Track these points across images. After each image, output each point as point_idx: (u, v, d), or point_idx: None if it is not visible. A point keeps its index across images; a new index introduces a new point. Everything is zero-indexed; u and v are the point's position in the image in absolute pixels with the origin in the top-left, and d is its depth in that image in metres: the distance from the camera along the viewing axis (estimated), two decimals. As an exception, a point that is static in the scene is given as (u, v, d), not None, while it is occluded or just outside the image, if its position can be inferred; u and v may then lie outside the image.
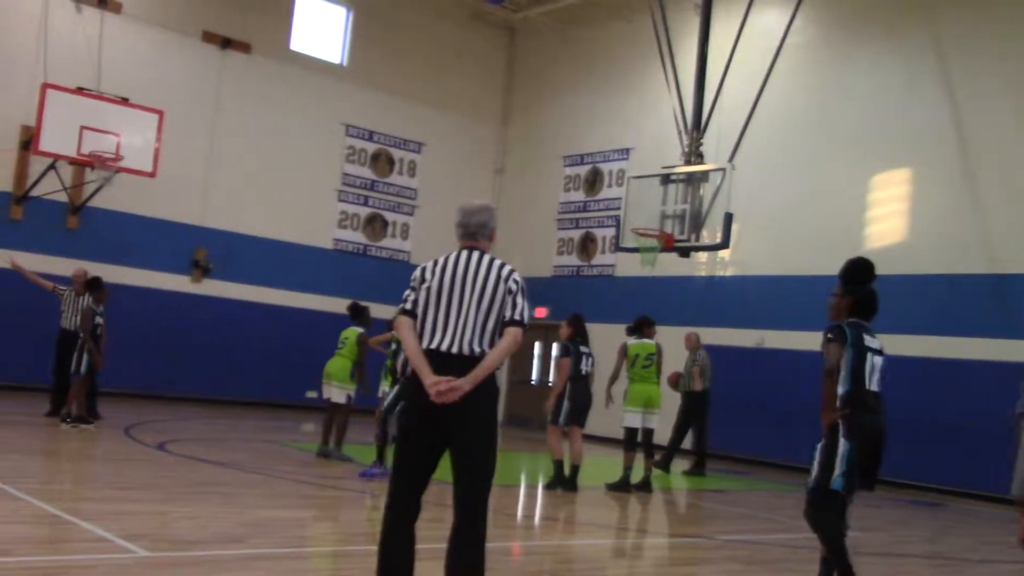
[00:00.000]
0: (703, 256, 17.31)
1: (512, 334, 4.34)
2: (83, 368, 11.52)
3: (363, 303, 11.60)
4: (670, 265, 16.22)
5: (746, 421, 16.26)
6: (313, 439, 12.41)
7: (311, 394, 11.89)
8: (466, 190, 21.46)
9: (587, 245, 19.93)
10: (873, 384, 5.62)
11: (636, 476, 11.07)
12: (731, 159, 14.20)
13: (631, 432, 10.91)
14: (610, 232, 18.98)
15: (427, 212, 20.70)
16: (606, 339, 18.08)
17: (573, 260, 20.16)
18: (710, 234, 14.51)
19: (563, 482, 10.33)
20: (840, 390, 5.54)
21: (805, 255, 16.08)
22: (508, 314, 4.37)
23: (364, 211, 19.98)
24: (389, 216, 20.33)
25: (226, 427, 14.11)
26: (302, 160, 19.07)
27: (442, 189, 21.02)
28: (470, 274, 4.43)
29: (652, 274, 16.38)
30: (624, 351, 10.96)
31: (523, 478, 12.54)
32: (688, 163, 14.62)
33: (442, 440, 4.30)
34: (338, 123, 19.63)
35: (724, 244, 14.07)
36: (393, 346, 10.55)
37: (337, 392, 10.94)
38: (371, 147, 20.12)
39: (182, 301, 17.45)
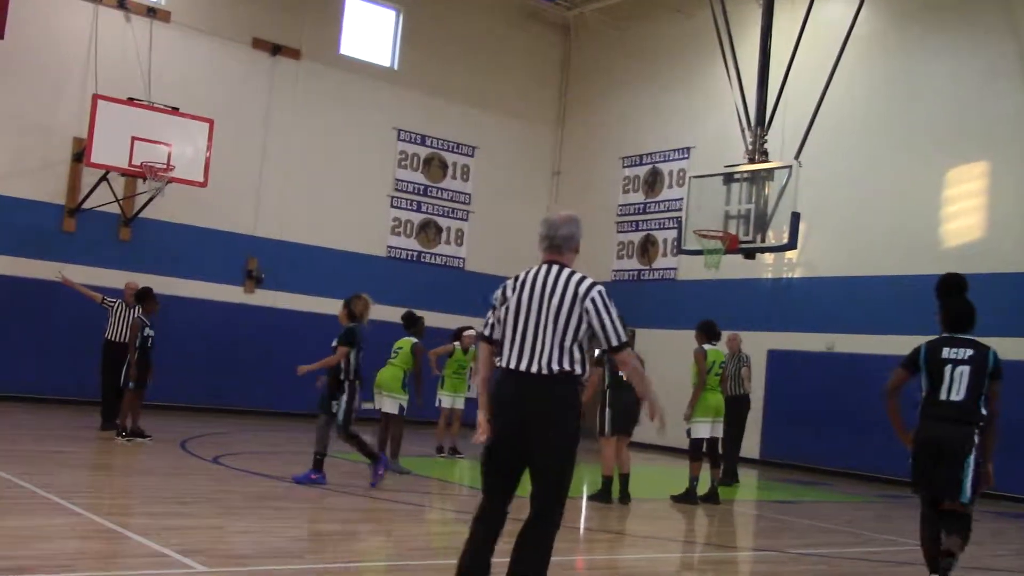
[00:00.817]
0: (769, 258, 17.13)
1: (621, 360, 4.53)
2: (128, 381, 11.73)
3: (418, 313, 11.64)
4: (735, 267, 16.08)
5: (815, 429, 16.03)
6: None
7: (367, 405, 12.02)
8: (521, 194, 21.54)
9: (648, 248, 19.83)
10: (952, 394, 6.01)
11: (702, 487, 10.97)
12: (797, 156, 14.03)
13: (699, 443, 10.82)
14: (671, 234, 18.87)
15: (482, 217, 20.76)
16: (668, 345, 17.98)
17: (633, 264, 20.07)
18: (776, 235, 14.34)
19: (604, 496, 10.46)
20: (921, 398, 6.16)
21: (877, 255, 15.84)
22: (606, 344, 4.51)
23: (417, 217, 20.10)
24: (443, 222, 20.42)
25: (281, 439, 14.27)
26: (354, 166, 19.26)
27: (497, 193, 21.07)
28: (547, 291, 4.54)
29: (716, 277, 16.24)
30: (705, 358, 10.87)
31: (583, 490, 12.50)
32: (752, 161, 14.47)
33: (525, 451, 4.49)
34: (389, 127, 19.79)
35: (791, 245, 13.90)
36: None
37: (389, 402, 11.01)
38: (423, 151, 20.25)
39: (234, 312, 17.71)
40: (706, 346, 10.91)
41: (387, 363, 11.28)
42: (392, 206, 19.82)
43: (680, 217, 15.79)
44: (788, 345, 16.59)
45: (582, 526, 9.01)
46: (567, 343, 4.47)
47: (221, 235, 17.77)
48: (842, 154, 16.59)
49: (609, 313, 4.50)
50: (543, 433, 4.44)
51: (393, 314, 19.09)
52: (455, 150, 20.67)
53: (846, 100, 16.36)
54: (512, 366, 4.50)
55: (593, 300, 4.50)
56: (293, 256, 18.46)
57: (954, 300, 6.27)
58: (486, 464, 4.61)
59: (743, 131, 14.76)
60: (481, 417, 4.62)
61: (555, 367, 4.44)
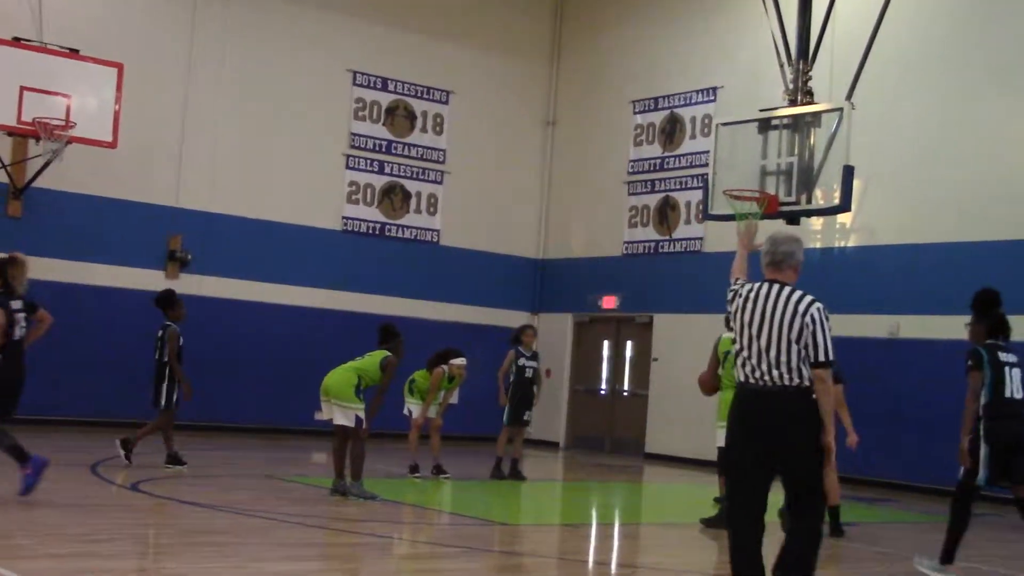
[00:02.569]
0: (817, 223, 17.18)
1: (819, 376, 5.91)
2: (172, 400, 12.76)
3: (397, 328, 11.69)
4: (775, 236, 16.12)
5: (875, 434, 16.12)
6: (326, 472, 12.55)
7: (320, 416, 12.10)
8: (509, 149, 21.54)
9: (666, 214, 19.88)
10: (1014, 392, 8.40)
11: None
12: (849, 96, 14.05)
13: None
14: (696, 196, 18.91)
15: (460, 179, 20.79)
16: (692, 333, 18.10)
17: (649, 234, 20.13)
18: (825, 194, 14.36)
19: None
20: (982, 400, 8.39)
21: (950, 217, 15.89)
22: (813, 355, 5.92)
23: (379, 180, 20.11)
24: (411, 186, 20.44)
25: (216, 460, 14.30)
26: (299, 119, 19.23)
27: (478, 149, 21.07)
28: (770, 309, 6.02)
29: (751, 248, 16.29)
30: (716, 347, 10.92)
31: (594, 514, 12.59)
32: (793, 103, 14.49)
33: (771, 465, 5.98)
34: (342, 69, 19.77)
35: (844, 206, 13.95)
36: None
37: (340, 413, 11.05)
38: (386, 98, 20.23)
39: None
40: (725, 333, 10.95)
41: (340, 365, 11.31)
42: (348, 167, 19.82)
43: (706, 175, 15.80)
44: (841, 330, 16.41)
45: (591, 558, 9.10)
46: (793, 359, 5.91)
47: (136, 208, 17.74)
48: (905, 93, 16.61)
49: (823, 327, 5.95)
50: (793, 444, 5.87)
51: (350, 302, 19.34)
52: (425, 96, 20.65)
53: (912, 23, 16.38)
54: (742, 380, 6.06)
55: (813, 315, 5.96)
56: (225, 232, 18.46)
57: (998, 312, 8.84)
58: (734, 480, 6.11)
59: (782, 67, 14.77)
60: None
61: (787, 382, 5.90)
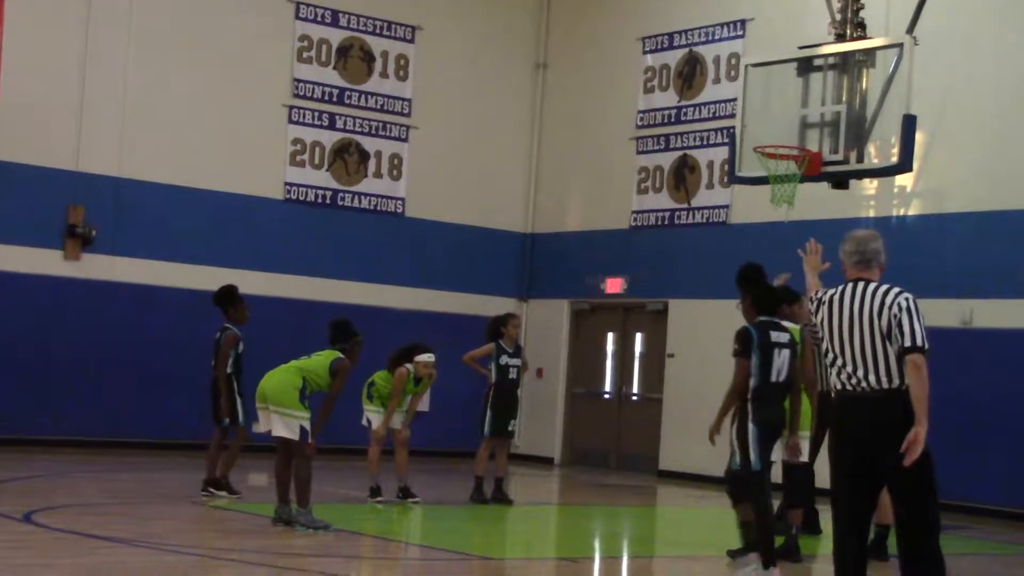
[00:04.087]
0: (871, 186, 17.16)
1: (911, 362, 6.58)
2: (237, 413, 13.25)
3: (354, 327, 11.64)
4: (818, 202, 16.09)
5: (947, 445, 16.09)
6: (267, 496, 12.48)
7: (258, 427, 12.01)
8: (490, 98, 21.45)
9: (684, 176, 19.83)
10: (778, 376, 9.73)
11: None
12: (911, 30, 14.02)
13: (756, 474, 10.85)
14: (720, 154, 18.87)
15: (429, 135, 20.72)
16: (719, 321, 18.08)
17: (663, 201, 20.08)
18: (881, 151, 14.33)
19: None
20: (751, 383, 9.66)
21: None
22: (900, 342, 6.64)
23: (331, 137, 20.02)
24: (370, 143, 20.34)
25: (131, 484, 14.26)
26: (228, 63, 19.11)
27: (451, 98, 20.99)
28: (856, 308, 6.80)
29: (790, 218, 16.24)
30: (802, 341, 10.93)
31: (597, 545, 12.58)
32: (841, 39, 14.45)
33: (878, 472, 6.73)
34: (282, 0, 19.64)
35: (905, 166, 13.94)
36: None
37: (281, 424, 11.00)
38: (336, 35, 20.12)
39: (49, 289, 17.59)
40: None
41: (281, 365, 11.27)
42: (292, 121, 19.72)
43: (732, 128, 15.78)
44: (902, 319, 16.66)
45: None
46: (890, 357, 6.66)
47: (26, 173, 17.61)
48: (978, 27, 16.59)
49: (913, 315, 6.68)
50: (895, 443, 6.52)
51: (295, 287, 19.25)
52: (385, 32, 20.54)
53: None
54: (850, 387, 6.77)
55: (900, 304, 6.71)
56: (139, 203, 18.33)
57: (762, 285, 10.15)
58: (838, 488, 6.91)
59: (826, -8, 14.74)
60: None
61: (885, 383, 6.67)
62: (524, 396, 16.65)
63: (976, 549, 13.32)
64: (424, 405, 13.92)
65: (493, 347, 14.06)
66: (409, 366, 13.35)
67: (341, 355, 11.26)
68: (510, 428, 14.19)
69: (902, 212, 17.33)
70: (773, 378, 9.73)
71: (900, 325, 6.63)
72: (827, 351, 6.91)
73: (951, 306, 16.36)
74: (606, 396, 20.85)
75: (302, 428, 10.92)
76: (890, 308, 6.68)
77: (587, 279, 20.83)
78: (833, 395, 7.03)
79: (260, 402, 11.14)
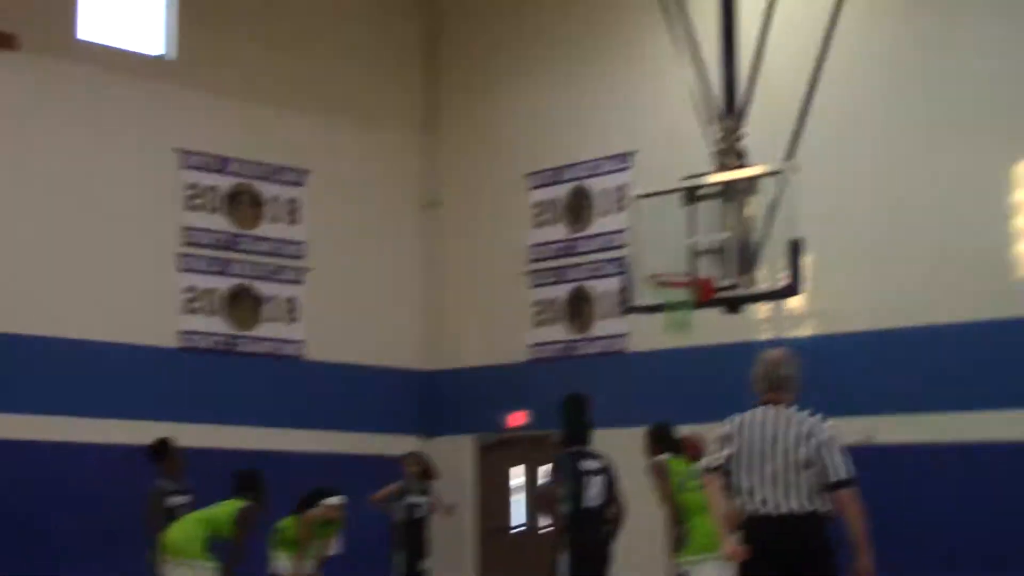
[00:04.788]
0: (764, 309, 17.33)
1: (845, 497, 6.73)
2: None
3: (262, 480, 11.52)
4: (713, 327, 16.20)
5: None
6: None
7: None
8: (382, 238, 21.51)
9: (580, 307, 19.94)
10: (591, 501, 10.48)
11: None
12: (789, 156, 14.29)
13: None
14: (613, 284, 19.00)
15: (325, 276, 20.69)
16: (623, 450, 18.02)
17: (559, 333, 20.15)
18: (770, 274, 14.49)
19: None
20: (564, 510, 10.34)
21: (923, 295, 16.13)
22: (830, 476, 6.76)
23: (224, 283, 19.89)
24: (264, 288, 20.25)
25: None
26: (114, 212, 18.95)
27: (344, 240, 21.00)
28: (770, 436, 6.84)
29: (687, 343, 16.36)
30: (665, 471, 11.08)
31: None
32: (723, 168, 14.68)
33: None
34: (168, 148, 19.58)
35: (794, 289, 14.09)
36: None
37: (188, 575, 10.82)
38: (225, 182, 20.10)
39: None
40: (663, 456, 11.25)
41: (183, 518, 11.10)
42: (183, 269, 19.56)
43: (625, 257, 15.89)
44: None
45: None
46: (812, 483, 6.74)
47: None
48: (857, 150, 16.94)
49: (833, 448, 6.77)
50: (805, 567, 6.69)
51: (193, 436, 18.83)
52: (274, 177, 20.58)
53: (857, 71, 16.74)
54: (763, 511, 6.78)
55: (819, 439, 6.81)
56: (23, 357, 18.01)
57: (575, 420, 11.07)
58: None
59: (705, 124, 14.98)
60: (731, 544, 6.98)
61: (807, 505, 6.73)
62: (434, 535, 16.46)
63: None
64: (334, 548, 13.74)
65: (401, 486, 13.94)
66: (317, 511, 13.19)
67: (247, 504, 11.10)
68: (420, 568, 14.00)
69: (796, 334, 17.46)
70: (584, 504, 10.50)
71: (824, 459, 6.75)
72: (735, 465, 6.96)
73: (852, 424, 16.37)
74: (512, 529, 20.65)
75: (209, 582, 10.76)
76: (808, 440, 6.79)
77: (490, 414, 20.77)
78: (746, 518, 6.99)
79: (166, 555, 10.96)
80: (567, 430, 10.92)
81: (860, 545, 6.72)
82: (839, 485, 6.72)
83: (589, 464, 10.61)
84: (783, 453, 6.76)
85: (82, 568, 17.75)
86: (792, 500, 6.66)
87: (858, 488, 6.77)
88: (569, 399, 11.19)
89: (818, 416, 6.93)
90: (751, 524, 6.85)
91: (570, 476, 10.47)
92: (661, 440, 11.58)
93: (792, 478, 6.70)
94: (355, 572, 17.58)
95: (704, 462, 7.21)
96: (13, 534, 17.35)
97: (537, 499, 11.21)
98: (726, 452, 7.04)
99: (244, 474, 11.67)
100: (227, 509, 11.12)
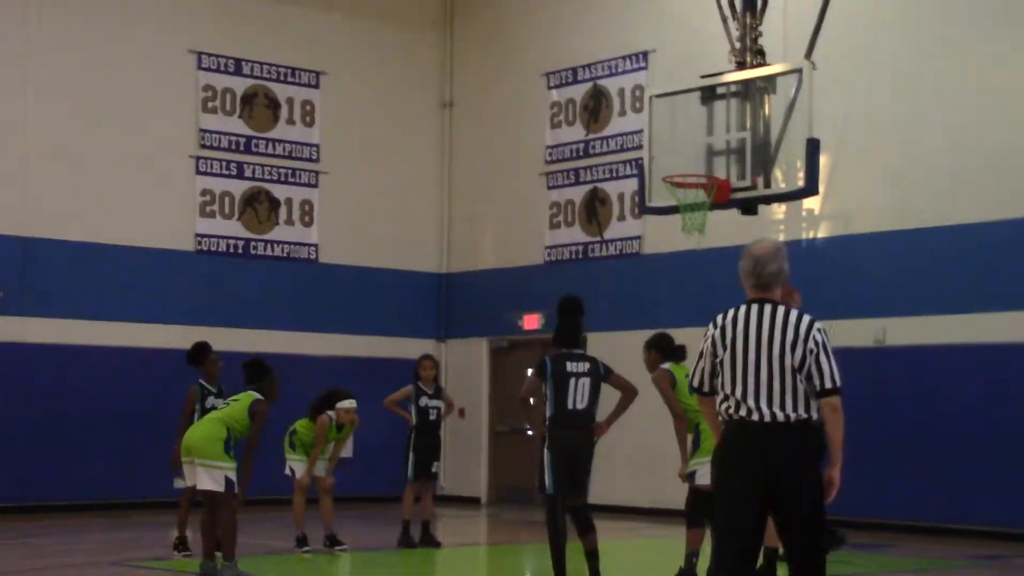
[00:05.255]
0: (779, 210, 17.32)
1: (830, 405, 6.35)
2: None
3: (268, 364, 11.58)
4: (729, 229, 16.20)
5: (864, 465, 16.25)
6: (189, 553, 12.33)
7: (180, 484, 11.91)
8: (398, 140, 21.46)
9: (595, 209, 19.93)
10: (576, 403, 10.45)
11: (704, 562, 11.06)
12: (809, 54, 14.19)
13: (704, 496, 10.90)
14: (629, 185, 18.97)
15: (339, 179, 20.71)
16: (636, 352, 18.09)
17: (575, 234, 20.16)
18: (787, 175, 14.48)
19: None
20: (547, 412, 10.51)
21: (943, 196, 16.10)
22: (817, 382, 6.34)
23: (240, 186, 19.93)
24: (279, 191, 20.28)
25: (46, 548, 14.03)
26: (131, 116, 18.99)
27: (359, 142, 21.00)
28: (766, 337, 6.39)
29: (702, 245, 16.37)
30: (672, 380, 11.08)
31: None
32: (742, 66, 14.59)
33: (769, 505, 6.36)
34: (184, 50, 19.57)
35: (810, 188, 14.07)
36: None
37: (206, 476, 10.92)
38: (240, 84, 20.06)
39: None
40: (666, 365, 11.24)
41: (204, 417, 11.21)
42: (199, 172, 19.60)
43: (640, 159, 15.86)
44: (817, 340, 16.79)
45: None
46: (800, 388, 6.32)
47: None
48: (879, 44, 16.82)
49: (828, 351, 6.35)
50: (798, 483, 6.31)
51: (210, 338, 18.46)
52: (290, 79, 20.52)
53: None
54: (746, 417, 6.37)
55: (816, 337, 6.36)
56: (46, 261, 18.15)
57: (567, 320, 10.76)
58: (726, 513, 6.47)
59: (725, 21, 14.87)
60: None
61: (792, 414, 6.31)
62: (447, 437, 16.64)
63: (895, 566, 13.45)
64: (347, 451, 13.82)
65: (412, 390, 14.03)
66: (331, 413, 13.29)
67: (258, 396, 11.18)
68: (433, 470, 14.17)
69: (811, 235, 17.49)
70: (570, 406, 10.38)
71: (818, 364, 6.36)
72: (720, 373, 6.54)
73: (865, 325, 16.54)
74: (529, 433, 20.81)
75: (227, 479, 10.83)
76: (805, 342, 6.36)
77: (505, 316, 20.85)
78: (727, 425, 6.57)
79: (186, 456, 11.08)
80: (557, 332, 10.84)
81: (835, 456, 6.40)
82: (826, 392, 6.34)
83: (575, 366, 10.49)
84: (776, 358, 6.35)
85: (101, 465, 18.06)
86: (784, 408, 6.29)
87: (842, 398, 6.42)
88: (562, 301, 11.01)
89: (810, 317, 6.47)
90: (737, 433, 6.46)
91: (553, 377, 10.43)
92: (661, 350, 11.55)
93: (784, 384, 6.31)
94: (368, 474, 17.83)
95: (692, 378, 6.79)
96: (37, 434, 17.63)
97: (517, 401, 11.24)
98: (706, 369, 6.66)
99: (251, 364, 11.63)
100: (240, 404, 11.12)
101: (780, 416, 6.31)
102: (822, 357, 6.34)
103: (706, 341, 6.64)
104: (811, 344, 6.34)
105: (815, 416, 6.37)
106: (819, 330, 6.41)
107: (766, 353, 6.38)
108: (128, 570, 12.14)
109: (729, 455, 6.52)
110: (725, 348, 6.49)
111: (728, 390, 6.46)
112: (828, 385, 6.34)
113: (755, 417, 6.35)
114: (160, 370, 18.27)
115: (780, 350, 6.36)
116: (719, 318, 6.63)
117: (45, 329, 18.02)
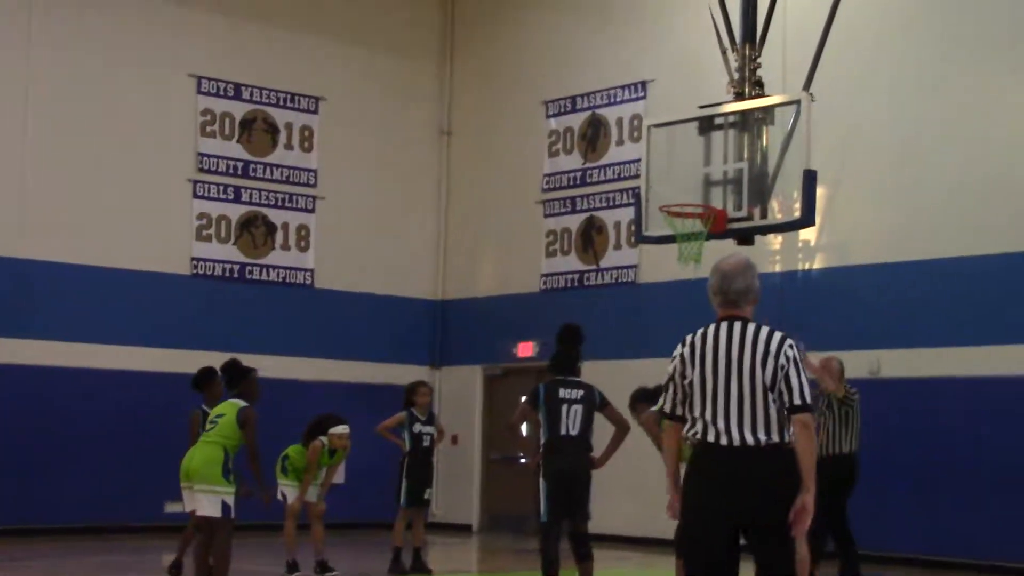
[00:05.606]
0: (775, 241, 17.35)
1: (801, 423, 6.05)
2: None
3: (244, 364, 11.56)
4: (724, 258, 16.21)
5: (863, 496, 16.22)
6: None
7: (172, 507, 11.84)
8: (395, 167, 21.49)
9: (592, 238, 19.93)
10: (569, 429, 10.55)
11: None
12: (807, 86, 14.22)
13: (543, 525, 11.10)
14: (626, 215, 18.98)
15: (336, 205, 20.73)
16: (632, 380, 18.09)
17: (572, 263, 20.16)
18: (783, 206, 14.48)
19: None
20: (541, 439, 10.68)
21: (941, 227, 16.10)
22: (787, 399, 6.07)
23: (236, 211, 19.94)
24: (276, 216, 20.29)
25: (35, 572, 13.98)
26: (130, 139, 19.01)
27: (357, 168, 21.02)
28: (736, 355, 6.14)
29: (698, 275, 16.32)
30: (658, 419, 11.11)
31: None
32: (740, 97, 14.60)
33: (740, 535, 6.10)
34: (183, 74, 19.62)
35: (807, 220, 14.04)
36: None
37: (204, 501, 10.92)
38: (240, 108, 20.11)
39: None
40: (652, 409, 11.25)
41: (200, 439, 11.21)
42: (196, 195, 19.62)
43: (638, 188, 15.88)
44: (808, 370, 16.77)
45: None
46: (771, 409, 6.07)
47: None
48: (877, 77, 16.86)
49: (799, 367, 6.09)
50: (763, 512, 6.03)
51: (204, 362, 18.92)
52: (289, 104, 20.56)
53: (876, 1, 16.66)
54: (713, 440, 6.10)
55: (788, 353, 6.11)
56: (41, 284, 18.13)
57: (563, 348, 11.01)
58: (695, 544, 6.24)
59: (724, 53, 14.90)
60: (673, 496, 6.45)
61: (762, 437, 6.05)
62: (440, 463, 16.61)
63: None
64: (340, 477, 13.82)
65: (405, 416, 14.02)
66: (323, 438, 13.26)
67: (241, 403, 11.14)
68: (426, 496, 14.15)
69: (807, 266, 17.50)
70: (562, 432, 10.52)
71: (788, 380, 6.06)
72: (688, 396, 6.25)
73: (860, 357, 16.50)
74: (522, 461, 20.77)
75: (224, 503, 10.83)
76: (776, 358, 6.08)
77: (500, 344, 20.83)
78: (696, 449, 6.27)
79: (184, 481, 11.07)
80: (553, 359, 11.01)
81: (807, 480, 6.02)
82: (795, 409, 6.02)
83: (568, 392, 10.64)
84: (745, 377, 6.07)
85: (93, 488, 18.00)
86: (756, 431, 5.99)
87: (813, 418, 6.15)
88: (561, 329, 11.19)
89: (782, 333, 6.19)
90: (705, 459, 6.16)
91: (546, 404, 10.61)
92: (645, 400, 11.57)
93: (756, 405, 6.03)
94: (360, 500, 17.80)
95: (663, 404, 6.48)
96: (29, 456, 17.58)
97: (506, 427, 11.31)
98: (676, 394, 6.34)
99: (227, 368, 11.56)
100: (228, 417, 11.07)
101: (750, 439, 6.05)
102: (791, 372, 6.07)
103: (674, 360, 6.40)
104: (782, 360, 6.09)
105: (788, 439, 6.10)
106: (791, 346, 6.17)
107: (736, 371, 6.14)
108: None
109: (695, 483, 6.24)
110: (694, 367, 6.24)
111: (697, 412, 6.20)
112: (797, 401, 6.06)
113: (723, 441, 6.09)
114: (155, 394, 18.28)
115: (751, 367, 6.12)
116: (688, 337, 6.40)
117: (39, 351, 17.98)
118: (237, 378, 11.40)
